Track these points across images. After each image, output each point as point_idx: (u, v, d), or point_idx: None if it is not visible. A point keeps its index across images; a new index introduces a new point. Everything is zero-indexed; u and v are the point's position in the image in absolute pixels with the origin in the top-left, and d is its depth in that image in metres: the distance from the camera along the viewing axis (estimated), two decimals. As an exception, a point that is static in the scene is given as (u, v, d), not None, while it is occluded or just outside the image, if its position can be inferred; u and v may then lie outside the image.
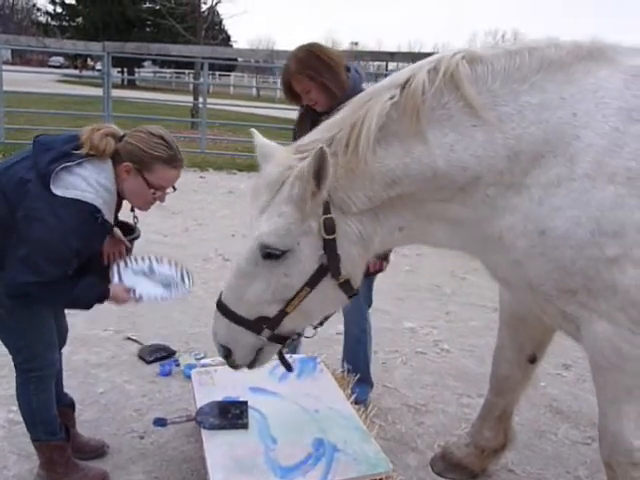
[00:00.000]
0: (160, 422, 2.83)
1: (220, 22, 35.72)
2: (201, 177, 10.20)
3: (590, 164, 1.84)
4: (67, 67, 43.99)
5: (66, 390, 3.50)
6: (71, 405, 3.04)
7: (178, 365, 3.85)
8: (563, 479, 3.01)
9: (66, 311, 4.58)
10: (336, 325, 4.66)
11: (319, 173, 1.86)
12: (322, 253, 1.98)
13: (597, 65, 1.95)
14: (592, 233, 1.84)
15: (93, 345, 4.12)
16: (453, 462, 2.96)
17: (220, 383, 2.83)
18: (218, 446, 2.44)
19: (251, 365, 2.25)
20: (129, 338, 4.24)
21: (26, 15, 42.55)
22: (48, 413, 2.67)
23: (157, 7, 31.95)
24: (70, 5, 39.53)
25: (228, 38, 40.60)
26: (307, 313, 2.11)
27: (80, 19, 39.10)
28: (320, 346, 4.25)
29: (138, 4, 37.03)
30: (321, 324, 2.32)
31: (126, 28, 35.33)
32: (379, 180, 1.94)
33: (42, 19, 41.96)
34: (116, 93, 12.87)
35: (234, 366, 2.24)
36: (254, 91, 34.28)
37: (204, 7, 20.83)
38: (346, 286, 2.06)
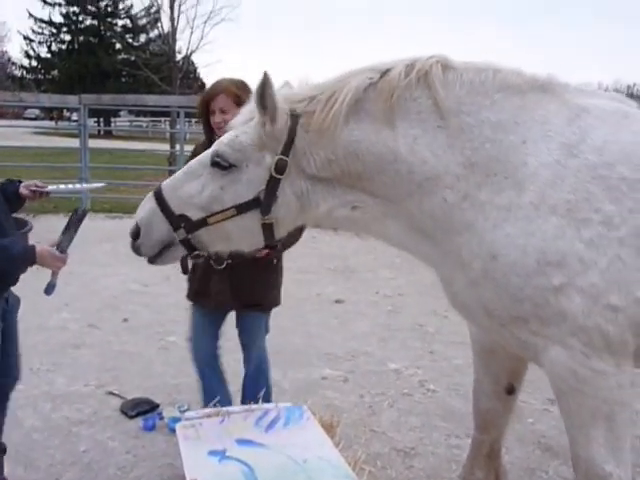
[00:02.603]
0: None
1: (194, 70, 36.26)
2: (180, 224, 10.18)
3: (535, 193, 1.93)
4: (43, 119, 44.10)
5: (47, 450, 3.43)
6: (3, 451, 3.02)
7: (162, 418, 3.78)
8: (556, 518, 2.98)
9: (46, 367, 4.53)
10: (321, 369, 4.66)
11: (263, 99, 2.00)
12: (263, 188, 2.07)
13: (547, 98, 2.07)
14: (538, 262, 1.91)
15: (74, 402, 4.02)
16: (446, 506, 2.92)
17: (206, 436, 2.77)
18: (206, 502, 2.38)
19: (152, 260, 2.26)
20: (111, 393, 4.15)
21: (1, 69, 42.76)
22: None
23: (132, 58, 32.41)
24: (45, 59, 39.91)
25: (203, 86, 41.16)
26: (223, 235, 2.17)
27: (55, 71, 39.44)
28: (306, 392, 4.23)
29: (113, 56, 37.51)
30: (228, 259, 2.60)
31: (101, 79, 35.67)
32: (343, 147, 2.04)
33: (17, 73, 42.14)
34: (93, 143, 12.86)
35: (137, 251, 2.24)
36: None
37: (179, 56, 21.20)
38: (268, 230, 2.14)
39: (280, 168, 2.05)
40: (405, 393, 4.31)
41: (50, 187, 2.80)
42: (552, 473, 3.37)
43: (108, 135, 32.33)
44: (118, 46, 38.58)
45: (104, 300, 6.15)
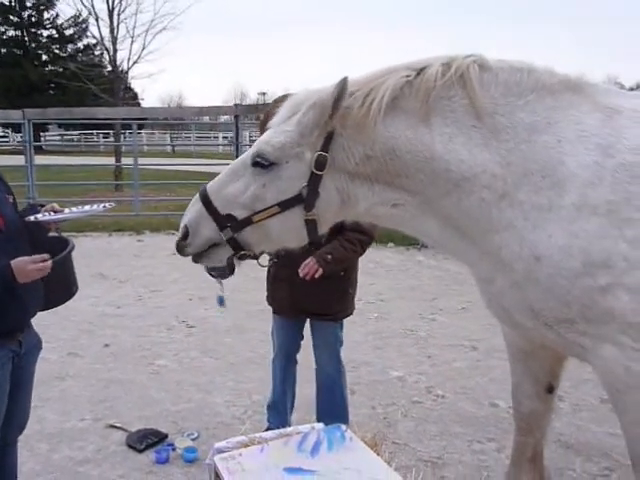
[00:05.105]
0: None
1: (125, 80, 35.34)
2: (139, 240, 9.82)
3: (576, 194, 1.93)
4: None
5: (58, 496, 3.17)
6: None
7: (174, 449, 3.56)
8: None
9: (33, 403, 4.20)
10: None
11: (338, 101, 1.97)
12: (305, 184, 2.06)
13: (579, 99, 2.08)
14: (583, 263, 1.90)
15: (73, 439, 3.74)
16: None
17: (250, 468, 2.60)
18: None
19: (197, 258, 2.29)
20: (112, 426, 3.89)
21: None
22: None
23: (60, 70, 31.19)
24: (-34, 72, 37.81)
25: (136, 96, 40.12)
26: (267, 233, 2.18)
27: (-21, 85, 37.43)
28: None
29: (40, 67, 35.96)
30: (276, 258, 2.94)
31: (28, 92, 34.10)
32: (381, 143, 2.04)
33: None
34: (20, 160, 11.90)
35: (182, 251, 2.26)
36: (168, 148, 33.76)
37: (120, 67, 20.49)
38: (311, 225, 2.13)
39: (320, 164, 2.04)
40: (415, 401, 4.25)
41: (66, 212, 2.59)
42: (580, 470, 3.38)
43: (38, 150, 30.87)
44: (45, 57, 37.07)
45: (79, 325, 5.80)
